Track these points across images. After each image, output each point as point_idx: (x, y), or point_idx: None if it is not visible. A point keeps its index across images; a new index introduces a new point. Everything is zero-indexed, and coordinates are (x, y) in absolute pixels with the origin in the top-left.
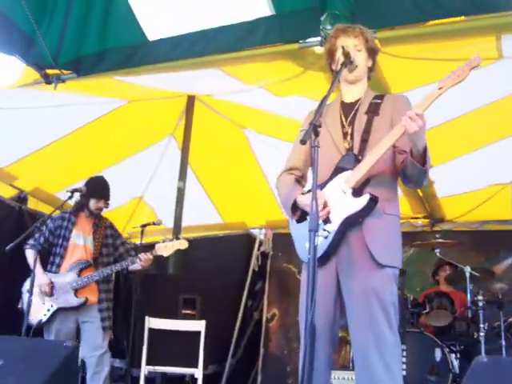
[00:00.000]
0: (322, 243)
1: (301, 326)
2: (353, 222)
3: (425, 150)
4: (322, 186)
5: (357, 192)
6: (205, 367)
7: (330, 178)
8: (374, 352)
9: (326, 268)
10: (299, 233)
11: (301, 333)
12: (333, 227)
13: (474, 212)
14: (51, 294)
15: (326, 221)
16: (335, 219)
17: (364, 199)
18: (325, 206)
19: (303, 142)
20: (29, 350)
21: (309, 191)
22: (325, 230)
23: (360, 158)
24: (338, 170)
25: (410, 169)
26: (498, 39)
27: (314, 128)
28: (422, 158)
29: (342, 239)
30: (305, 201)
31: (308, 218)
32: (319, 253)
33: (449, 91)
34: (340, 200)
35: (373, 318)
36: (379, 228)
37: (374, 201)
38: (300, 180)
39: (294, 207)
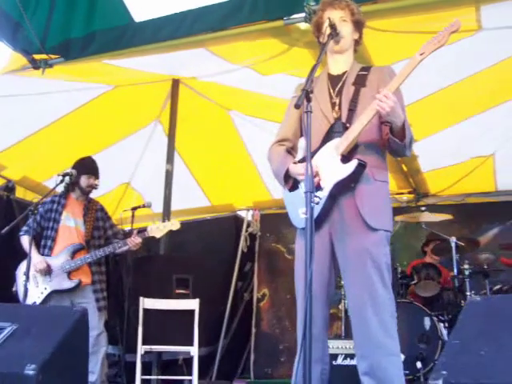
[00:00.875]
0: (315, 209)
1: (297, 293)
2: (343, 188)
3: (403, 125)
4: (313, 154)
5: (346, 158)
6: (198, 348)
7: (320, 147)
8: (368, 308)
9: (320, 233)
10: (292, 201)
11: (297, 299)
12: (324, 193)
13: (457, 185)
14: (48, 272)
15: (317, 188)
16: (326, 185)
17: (352, 165)
18: (316, 174)
19: (297, 106)
20: (40, 314)
21: (300, 161)
22: (316, 196)
23: (348, 126)
24: (327, 139)
25: (392, 143)
26: (477, 10)
27: (306, 94)
28: (402, 132)
29: (333, 204)
30: (297, 169)
31: (300, 186)
32: None
33: (429, 65)
34: (330, 167)
35: (367, 277)
36: (370, 193)
37: (362, 166)
38: (291, 151)
39: (287, 177)
